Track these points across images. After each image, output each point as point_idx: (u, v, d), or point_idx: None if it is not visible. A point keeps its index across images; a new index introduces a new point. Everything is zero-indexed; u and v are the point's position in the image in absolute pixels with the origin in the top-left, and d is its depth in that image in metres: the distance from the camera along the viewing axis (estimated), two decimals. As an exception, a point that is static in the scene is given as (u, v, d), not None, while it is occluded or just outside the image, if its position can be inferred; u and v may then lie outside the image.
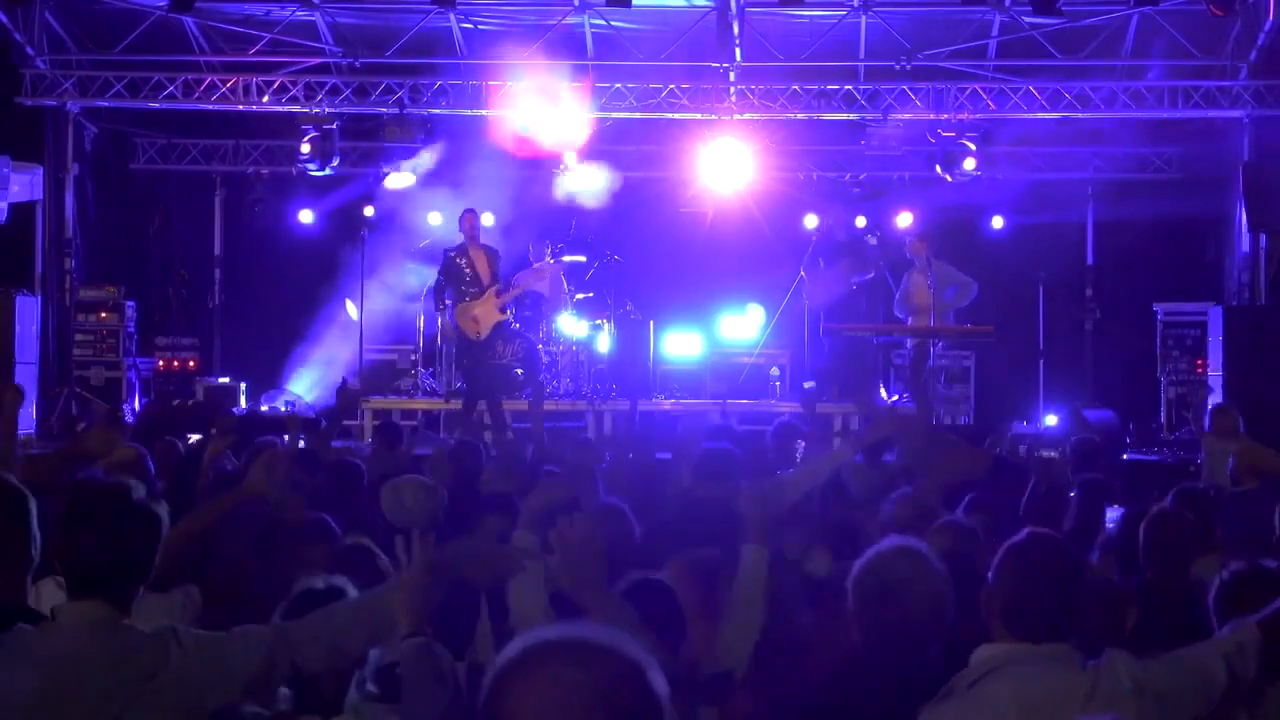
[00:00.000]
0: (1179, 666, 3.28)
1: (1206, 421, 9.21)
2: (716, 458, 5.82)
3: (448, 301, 13.14)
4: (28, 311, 13.85)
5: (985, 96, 14.82)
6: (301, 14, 14.77)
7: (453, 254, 13.04)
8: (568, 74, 14.52)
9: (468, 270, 12.89)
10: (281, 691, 3.54)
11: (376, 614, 3.43)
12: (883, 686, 3.39)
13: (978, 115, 14.89)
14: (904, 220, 15.64)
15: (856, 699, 3.44)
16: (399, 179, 15.65)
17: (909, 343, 14.43)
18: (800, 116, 15.12)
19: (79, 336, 15.10)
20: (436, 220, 15.61)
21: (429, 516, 5.21)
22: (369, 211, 15.83)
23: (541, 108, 14.46)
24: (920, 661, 3.41)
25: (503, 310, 13.03)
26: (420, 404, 14.48)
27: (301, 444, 7.49)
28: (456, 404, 13.96)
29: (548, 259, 14.57)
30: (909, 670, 3.39)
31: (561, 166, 15.12)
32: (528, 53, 14.62)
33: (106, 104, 15.14)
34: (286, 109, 15.11)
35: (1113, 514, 6.38)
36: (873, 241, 14.91)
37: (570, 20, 14.66)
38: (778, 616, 3.95)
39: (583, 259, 15.02)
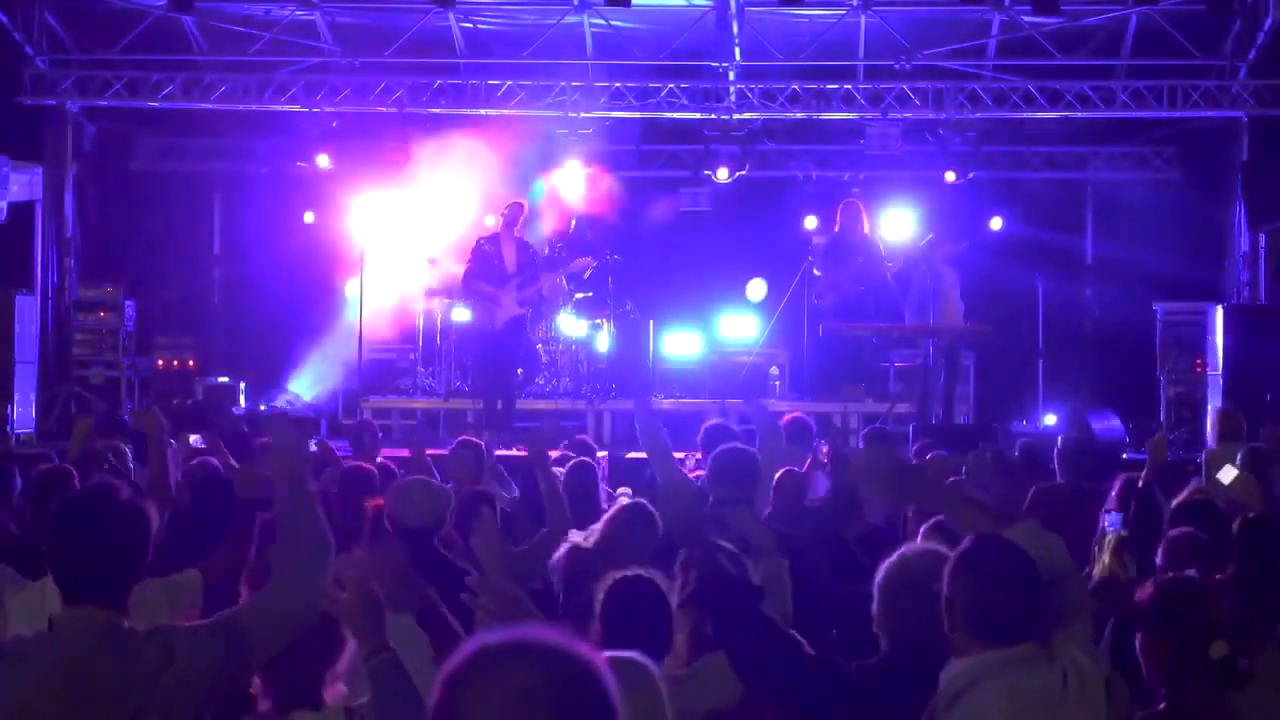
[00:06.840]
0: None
1: (1209, 427, 9.13)
2: (734, 458, 5.58)
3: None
4: (27, 311, 13.82)
5: (985, 96, 14.81)
6: (301, 13, 14.75)
7: (484, 240, 12.98)
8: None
9: (495, 259, 12.82)
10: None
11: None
12: (908, 690, 3.40)
13: (977, 115, 14.88)
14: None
15: (882, 703, 3.45)
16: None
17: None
18: (800, 116, 15.11)
19: (78, 336, 15.09)
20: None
21: (435, 518, 5.20)
22: (369, 212, 15.73)
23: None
24: (943, 665, 3.43)
25: (521, 306, 12.96)
26: (419, 403, 14.47)
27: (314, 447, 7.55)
28: (456, 404, 13.95)
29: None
30: (934, 673, 3.40)
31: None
32: (527, 53, 14.64)
33: (106, 103, 15.12)
34: (286, 108, 15.10)
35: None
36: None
37: (570, 20, 14.65)
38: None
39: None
